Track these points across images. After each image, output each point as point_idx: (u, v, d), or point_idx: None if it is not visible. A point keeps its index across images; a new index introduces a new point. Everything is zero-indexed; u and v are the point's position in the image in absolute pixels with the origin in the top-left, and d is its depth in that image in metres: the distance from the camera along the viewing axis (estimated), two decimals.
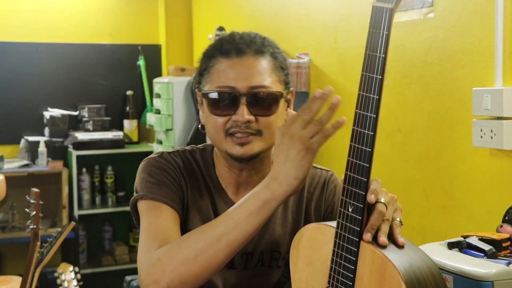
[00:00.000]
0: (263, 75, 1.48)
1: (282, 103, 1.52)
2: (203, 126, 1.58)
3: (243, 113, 1.46)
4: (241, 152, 1.48)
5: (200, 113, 1.58)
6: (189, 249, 1.32)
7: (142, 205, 1.50)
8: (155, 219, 1.46)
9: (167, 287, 1.31)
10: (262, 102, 1.48)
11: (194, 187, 1.56)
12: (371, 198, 1.20)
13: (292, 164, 1.28)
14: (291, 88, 1.57)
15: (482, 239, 1.66)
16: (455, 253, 1.66)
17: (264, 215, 1.31)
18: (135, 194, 1.54)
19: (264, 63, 1.49)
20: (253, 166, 1.54)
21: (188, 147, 1.63)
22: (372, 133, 1.17)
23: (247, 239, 1.33)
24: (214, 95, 1.49)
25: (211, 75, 1.51)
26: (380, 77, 1.15)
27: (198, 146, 1.64)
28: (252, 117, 1.47)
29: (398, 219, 1.26)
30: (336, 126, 1.27)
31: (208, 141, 1.63)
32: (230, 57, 1.49)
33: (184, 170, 1.56)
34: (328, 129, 1.27)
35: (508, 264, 1.53)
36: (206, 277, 1.34)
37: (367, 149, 1.18)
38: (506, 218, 1.84)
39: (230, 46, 1.49)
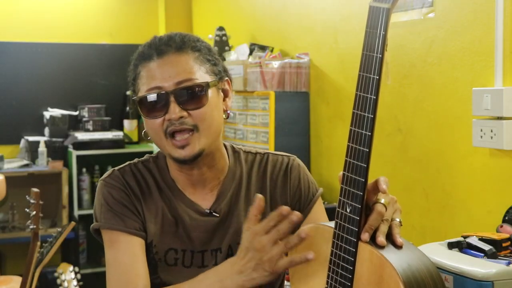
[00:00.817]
0: (187, 69, 1.50)
1: (214, 93, 1.53)
2: (145, 133, 1.59)
3: (175, 110, 1.48)
4: (183, 155, 1.50)
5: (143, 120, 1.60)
6: None
7: (103, 236, 1.59)
8: (117, 254, 1.53)
9: None
10: (191, 96, 1.49)
11: (147, 198, 1.59)
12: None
13: (246, 276, 1.35)
14: (226, 78, 1.58)
15: (482, 239, 1.65)
16: (455, 253, 1.65)
17: None
18: (94, 220, 1.61)
19: (187, 58, 1.52)
20: (202, 163, 1.55)
21: (142, 158, 1.66)
22: (370, 133, 1.17)
23: None
24: (144, 99, 1.51)
25: (139, 81, 1.54)
26: (377, 77, 1.15)
27: (152, 154, 1.66)
28: (184, 113, 1.49)
29: (397, 220, 1.26)
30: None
31: None
32: (152, 60, 1.52)
33: (136, 185, 1.59)
34: (294, 256, 1.32)
35: (508, 264, 1.52)
36: None
37: (365, 149, 1.18)
38: (506, 218, 1.84)
39: (151, 50, 1.53)
